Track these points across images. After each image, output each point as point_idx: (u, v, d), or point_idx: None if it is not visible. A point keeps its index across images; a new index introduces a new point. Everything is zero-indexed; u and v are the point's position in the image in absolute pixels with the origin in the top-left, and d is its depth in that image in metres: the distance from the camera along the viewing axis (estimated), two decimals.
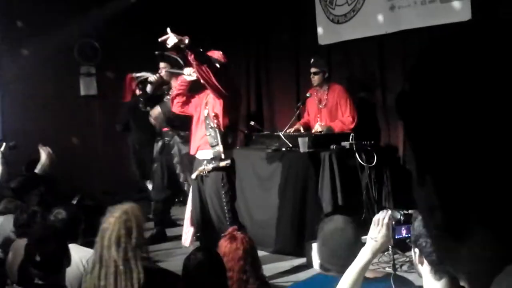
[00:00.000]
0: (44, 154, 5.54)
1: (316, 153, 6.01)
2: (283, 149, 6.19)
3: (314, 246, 5.54)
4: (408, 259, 5.18)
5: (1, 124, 8.22)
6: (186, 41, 4.94)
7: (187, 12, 8.86)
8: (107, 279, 2.81)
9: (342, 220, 2.91)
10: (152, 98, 6.68)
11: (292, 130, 6.79)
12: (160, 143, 6.80)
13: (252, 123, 7.37)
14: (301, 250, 5.67)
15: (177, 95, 5.51)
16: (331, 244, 2.81)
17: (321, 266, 2.87)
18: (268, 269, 4.84)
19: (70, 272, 3.19)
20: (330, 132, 6.52)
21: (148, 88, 6.64)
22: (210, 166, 5.20)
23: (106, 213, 2.95)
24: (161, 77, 6.62)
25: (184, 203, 6.92)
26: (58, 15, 8.12)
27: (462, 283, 0.70)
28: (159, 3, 8.85)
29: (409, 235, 2.35)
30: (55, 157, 5.61)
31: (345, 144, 6.06)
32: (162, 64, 6.61)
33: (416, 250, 2.03)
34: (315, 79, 6.84)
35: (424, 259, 1.98)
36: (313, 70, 6.86)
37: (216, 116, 5.21)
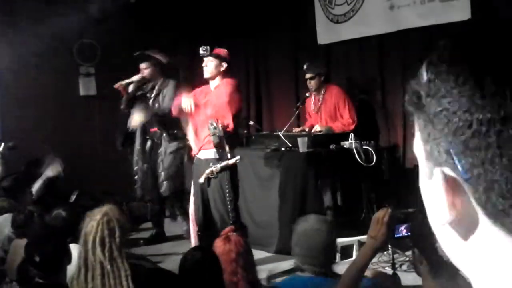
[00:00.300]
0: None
1: (316, 153, 6.01)
2: (282, 149, 6.19)
3: None
4: (407, 259, 5.17)
5: (0, 124, 8.22)
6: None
7: (187, 11, 8.85)
8: (95, 281, 2.81)
9: (317, 220, 2.91)
10: (133, 99, 6.60)
11: (298, 130, 6.81)
12: (149, 143, 6.73)
13: (251, 122, 7.38)
14: None
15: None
16: (305, 244, 2.81)
17: (297, 266, 2.86)
18: (269, 269, 4.83)
19: (71, 272, 3.19)
20: (329, 132, 6.51)
21: (130, 88, 6.57)
22: (218, 166, 5.20)
23: (85, 218, 2.95)
24: (143, 77, 6.58)
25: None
26: (58, 15, 8.10)
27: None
28: (159, 3, 8.84)
29: (409, 234, 2.35)
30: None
31: (345, 144, 6.06)
32: (143, 65, 6.59)
33: (415, 249, 2.02)
34: (312, 84, 6.81)
35: (423, 258, 1.98)
36: (308, 75, 6.84)
37: (219, 115, 5.23)
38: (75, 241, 3.65)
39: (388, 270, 4.60)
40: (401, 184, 6.08)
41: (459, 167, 0.60)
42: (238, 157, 5.23)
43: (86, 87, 8.87)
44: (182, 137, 6.36)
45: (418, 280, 2.19)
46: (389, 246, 4.84)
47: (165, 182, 6.50)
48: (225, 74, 5.49)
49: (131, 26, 8.47)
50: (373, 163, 5.97)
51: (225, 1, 8.85)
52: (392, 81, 6.91)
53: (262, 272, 3.98)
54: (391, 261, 4.71)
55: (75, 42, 8.79)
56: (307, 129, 6.84)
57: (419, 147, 0.67)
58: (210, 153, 5.28)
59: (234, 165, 5.27)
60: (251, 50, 8.88)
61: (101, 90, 8.63)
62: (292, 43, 8.22)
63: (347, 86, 7.27)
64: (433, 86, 0.62)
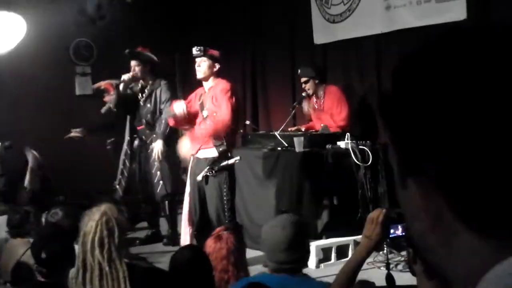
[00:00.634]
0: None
1: (312, 153, 6.01)
2: (279, 148, 6.19)
3: (310, 245, 5.55)
4: (403, 258, 5.18)
5: None
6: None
7: (183, 11, 8.85)
8: (93, 283, 2.81)
9: (285, 218, 2.92)
10: (122, 97, 6.54)
11: (293, 129, 6.83)
12: (136, 142, 6.66)
13: (247, 122, 7.38)
14: None
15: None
16: (270, 241, 2.83)
17: (264, 263, 2.89)
18: (265, 268, 4.83)
19: (70, 272, 3.19)
20: (326, 131, 6.51)
21: (121, 86, 6.50)
22: (218, 166, 5.20)
23: (84, 218, 2.94)
24: (133, 76, 6.50)
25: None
26: (54, 15, 8.09)
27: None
28: (155, 3, 8.84)
29: (403, 234, 2.35)
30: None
31: (341, 143, 6.06)
32: (133, 62, 6.53)
33: (410, 249, 2.02)
34: (308, 87, 6.83)
35: (417, 258, 1.98)
36: (302, 79, 6.87)
37: (215, 116, 5.23)
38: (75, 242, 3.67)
39: (383, 270, 4.61)
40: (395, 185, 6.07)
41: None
42: (238, 157, 5.24)
43: (82, 87, 8.86)
44: (172, 139, 6.35)
45: (413, 280, 2.19)
46: (385, 246, 4.85)
47: (161, 182, 6.44)
48: (218, 74, 5.52)
49: (128, 25, 8.45)
50: (369, 163, 5.98)
51: (221, 1, 8.84)
52: (388, 81, 6.89)
53: (257, 271, 3.98)
54: (386, 261, 4.71)
55: (71, 42, 8.79)
56: (303, 129, 6.85)
57: (393, 158, 0.69)
58: (209, 152, 5.29)
59: (232, 165, 5.28)
60: (247, 50, 8.87)
61: (97, 90, 8.62)
62: (288, 42, 8.22)
63: (344, 86, 7.27)
64: None
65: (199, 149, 5.39)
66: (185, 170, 6.32)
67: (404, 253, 5.19)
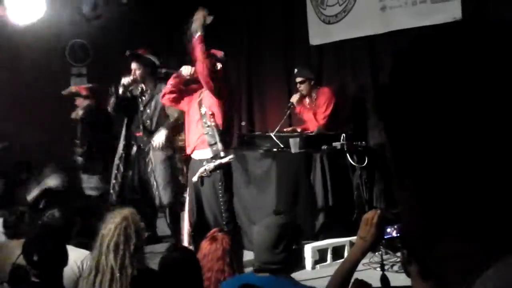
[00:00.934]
0: None
1: (308, 154, 6.02)
2: (274, 149, 6.20)
3: (306, 247, 5.57)
4: (399, 259, 5.19)
5: None
6: (208, 21, 5.00)
7: (178, 11, 8.84)
8: (102, 286, 2.82)
9: (272, 220, 2.95)
10: (123, 101, 6.32)
11: (289, 129, 6.84)
12: (134, 148, 6.44)
13: (243, 123, 7.37)
14: None
15: (170, 92, 5.48)
16: (256, 241, 2.89)
17: (253, 263, 2.93)
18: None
19: (65, 273, 3.19)
20: (320, 132, 6.52)
21: (120, 90, 6.25)
22: (211, 165, 5.19)
23: (105, 219, 2.95)
24: (134, 79, 6.26)
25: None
26: (50, 16, 8.09)
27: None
28: (151, 2, 8.83)
29: (398, 235, 2.36)
30: None
31: (337, 144, 6.07)
32: (134, 65, 6.27)
33: (405, 250, 2.03)
34: (302, 88, 6.86)
35: (411, 259, 1.98)
36: (298, 80, 6.89)
37: (213, 114, 5.21)
38: (68, 242, 3.67)
39: (379, 271, 4.61)
40: (392, 185, 6.08)
41: None
42: (231, 155, 5.23)
43: None
44: (170, 145, 6.20)
45: (409, 281, 2.19)
46: (381, 246, 4.86)
47: (162, 191, 6.24)
48: None
49: (123, 26, 8.45)
50: (365, 164, 5.99)
51: (217, 2, 8.84)
52: (384, 82, 6.91)
53: None
54: (381, 262, 4.72)
55: (67, 43, 8.77)
56: (298, 129, 6.86)
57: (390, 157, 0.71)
58: (204, 153, 5.28)
59: (228, 166, 5.26)
60: (243, 50, 8.87)
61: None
62: (284, 43, 8.22)
63: (339, 86, 7.29)
64: None
65: (193, 150, 5.37)
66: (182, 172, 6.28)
67: (399, 254, 5.20)
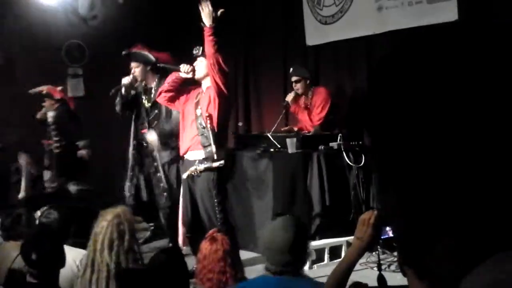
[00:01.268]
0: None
1: (304, 154, 6.02)
2: (271, 149, 6.20)
3: None
4: (396, 259, 5.19)
5: None
6: (218, 13, 5.01)
7: (175, 11, 8.84)
8: (99, 284, 2.81)
9: (286, 220, 2.88)
10: (128, 102, 6.28)
11: (286, 129, 6.84)
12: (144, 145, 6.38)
13: (240, 123, 7.37)
14: None
15: (168, 90, 5.47)
16: (273, 245, 2.81)
17: (266, 267, 2.86)
18: (261, 270, 4.83)
19: (63, 273, 3.19)
20: (317, 132, 6.53)
21: (123, 91, 6.20)
22: (202, 166, 5.17)
23: (98, 217, 2.95)
24: (134, 78, 6.24)
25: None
26: (46, 16, 8.08)
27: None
28: (147, 4, 8.82)
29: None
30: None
31: (333, 144, 6.07)
32: (132, 64, 6.24)
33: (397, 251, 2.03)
34: (298, 87, 6.86)
35: (404, 259, 1.99)
36: (294, 78, 6.89)
37: (209, 116, 5.20)
38: (65, 242, 3.67)
39: (376, 271, 4.61)
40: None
41: None
42: (222, 161, 5.18)
43: (74, 88, 8.84)
44: (175, 147, 6.00)
45: (405, 281, 2.20)
46: (378, 246, 4.86)
47: (164, 194, 6.20)
48: None
49: (120, 26, 8.44)
50: (361, 164, 5.99)
51: (214, 2, 8.82)
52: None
53: (254, 273, 3.99)
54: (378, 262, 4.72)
55: (63, 43, 8.76)
56: (295, 129, 6.86)
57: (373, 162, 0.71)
58: (197, 154, 5.26)
59: (223, 167, 5.25)
60: (240, 51, 8.87)
61: (89, 91, 8.61)
62: (281, 44, 8.22)
63: (336, 87, 7.29)
64: None
65: (187, 150, 5.36)
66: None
67: (396, 253, 5.20)
